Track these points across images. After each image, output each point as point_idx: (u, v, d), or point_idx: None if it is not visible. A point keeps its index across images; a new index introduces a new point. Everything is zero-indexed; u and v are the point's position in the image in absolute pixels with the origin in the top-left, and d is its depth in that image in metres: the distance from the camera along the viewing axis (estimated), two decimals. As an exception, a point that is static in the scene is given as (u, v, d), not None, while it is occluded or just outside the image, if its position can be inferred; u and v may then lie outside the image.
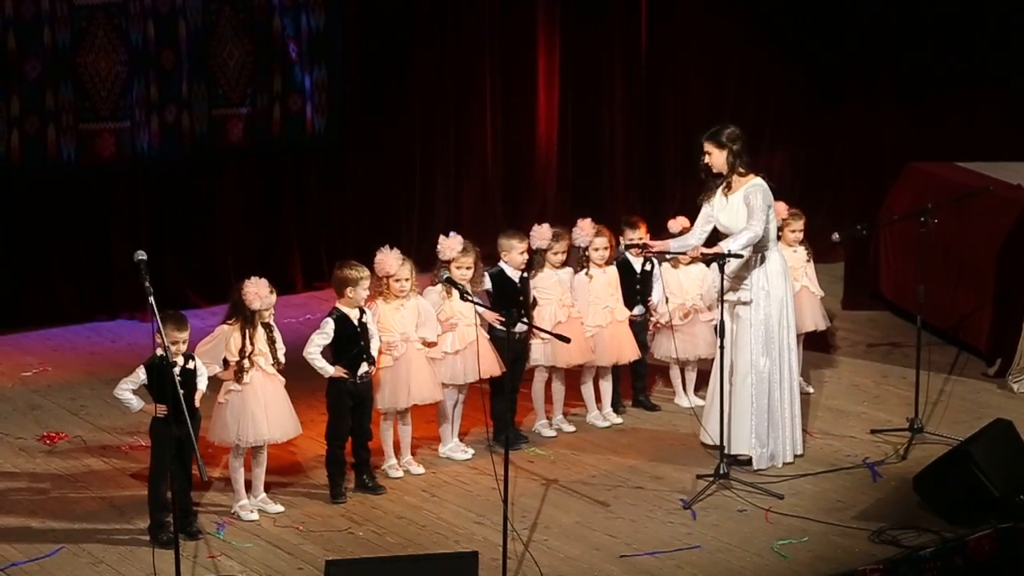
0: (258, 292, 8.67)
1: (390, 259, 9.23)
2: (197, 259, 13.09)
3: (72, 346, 12.13)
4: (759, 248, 9.30)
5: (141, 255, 7.43)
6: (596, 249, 10.10)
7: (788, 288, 9.51)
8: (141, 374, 8.33)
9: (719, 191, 9.38)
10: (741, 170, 9.32)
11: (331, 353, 9.00)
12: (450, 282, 9.06)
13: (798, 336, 10.84)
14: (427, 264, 9.67)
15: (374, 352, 9.05)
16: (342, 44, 13.77)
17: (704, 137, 9.36)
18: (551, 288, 9.97)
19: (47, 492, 9.14)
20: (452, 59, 14.38)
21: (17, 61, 12.27)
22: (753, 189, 9.25)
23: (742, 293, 9.37)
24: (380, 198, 14.19)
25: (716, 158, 9.32)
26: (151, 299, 7.29)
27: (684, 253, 9.65)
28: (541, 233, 9.96)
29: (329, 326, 8.96)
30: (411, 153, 14.34)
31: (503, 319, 9.11)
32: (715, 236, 9.49)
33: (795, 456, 9.58)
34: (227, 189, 13.40)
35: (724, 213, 9.36)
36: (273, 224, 13.60)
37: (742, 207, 9.24)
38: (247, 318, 8.68)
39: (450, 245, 9.44)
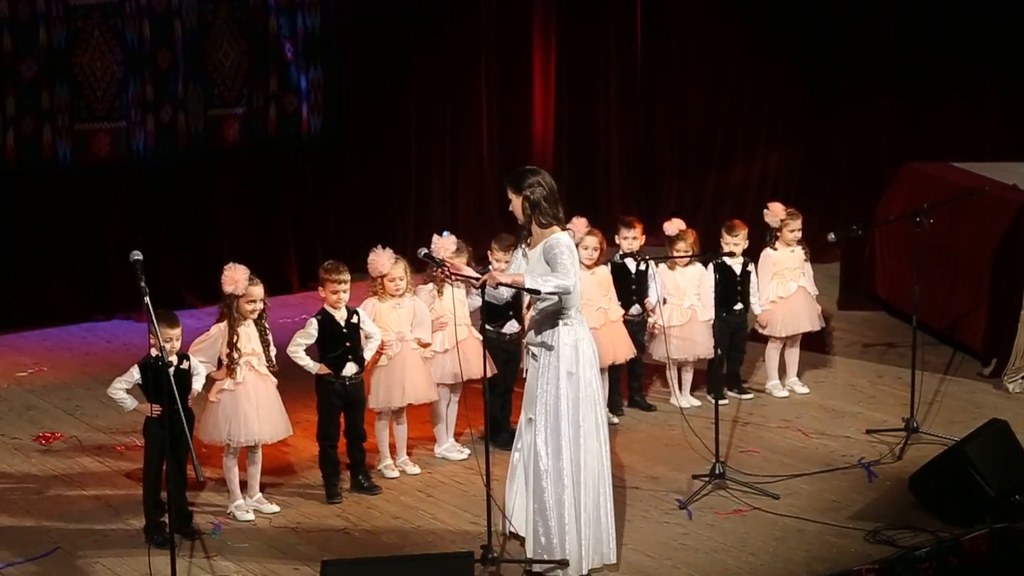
0: (233, 276, 8.58)
1: (382, 259, 9.22)
2: (193, 259, 13.09)
3: (67, 346, 12.13)
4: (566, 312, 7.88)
5: (137, 255, 7.42)
6: (585, 248, 9.98)
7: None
8: (135, 373, 8.32)
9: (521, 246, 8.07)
10: (543, 221, 7.87)
11: (318, 353, 9.00)
12: (429, 258, 8.34)
13: (792, 337, 10.89)
14: (422, 264, 9.63)
15: (369, 353, 9.04)
16: (338, 44, 13.78)
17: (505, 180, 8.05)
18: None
19: (42, 492, 9.13)
20: (448, 59, 14.39)
21: (13, 61, 12.28)
22: (554, 242, 7.82)
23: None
24: (376, 198, 14.19)
25: (515, 204, 7.93)
26: (147, 299, 7.27)
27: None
28: None
29: (312, 326, 8.94)
30: (407, 153, 14.34)
31: (479, 276, 8.49)
32: None
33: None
34: (223, 189, 13.40)
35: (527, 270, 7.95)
36: (269, 224, 13.61)
37: (542, 264, 7.85)
38: (229, 307, 8.63)
39: (444, 245, 9.40)
